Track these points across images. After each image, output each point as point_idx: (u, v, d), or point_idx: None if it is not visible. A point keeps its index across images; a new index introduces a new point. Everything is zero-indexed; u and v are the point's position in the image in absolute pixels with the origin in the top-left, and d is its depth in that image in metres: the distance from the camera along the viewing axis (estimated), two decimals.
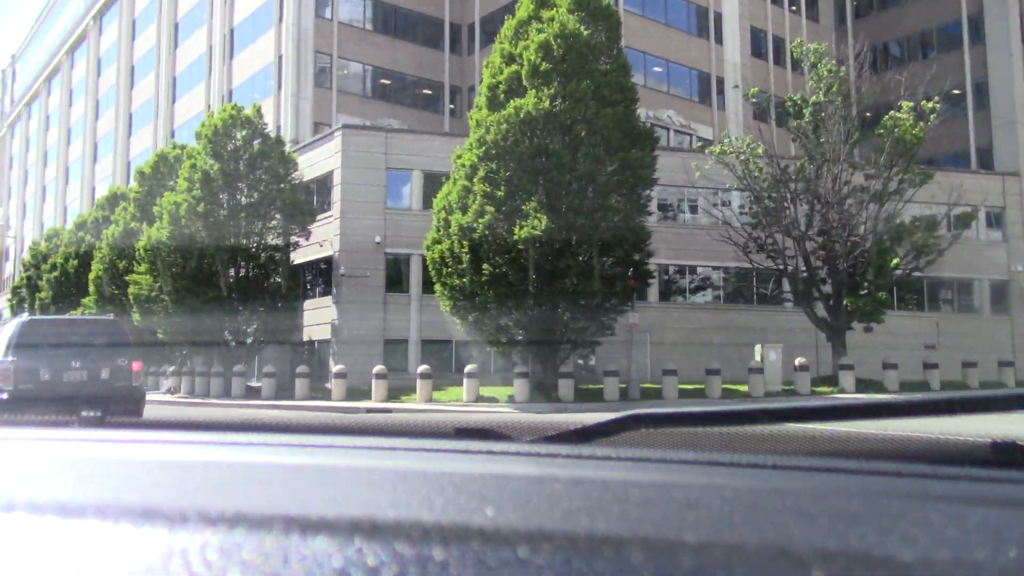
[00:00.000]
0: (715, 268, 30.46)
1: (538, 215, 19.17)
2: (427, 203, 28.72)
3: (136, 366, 12.53)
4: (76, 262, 36.63)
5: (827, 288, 23.67)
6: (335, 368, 23.19)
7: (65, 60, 63.75)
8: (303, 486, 0.87)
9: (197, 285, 26.13)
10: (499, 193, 19.93)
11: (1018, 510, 0.78)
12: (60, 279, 37.17)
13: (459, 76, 38.96)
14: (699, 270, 30.97)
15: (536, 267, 20.08)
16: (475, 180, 20.36)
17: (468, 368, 21.15)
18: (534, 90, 20.20)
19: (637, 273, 21.23)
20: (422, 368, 21.69)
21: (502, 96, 20.88)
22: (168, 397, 27.92)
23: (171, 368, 29.13)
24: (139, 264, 27.02)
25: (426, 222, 23.87)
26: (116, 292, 30.01)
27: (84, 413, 1.49)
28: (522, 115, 19.94)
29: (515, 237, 19.29)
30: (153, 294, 26.30)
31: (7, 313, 43.77)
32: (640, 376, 22.59)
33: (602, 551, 0.61)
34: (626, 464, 1.02)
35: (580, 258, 20.29)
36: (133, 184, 32.73)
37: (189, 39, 44.01)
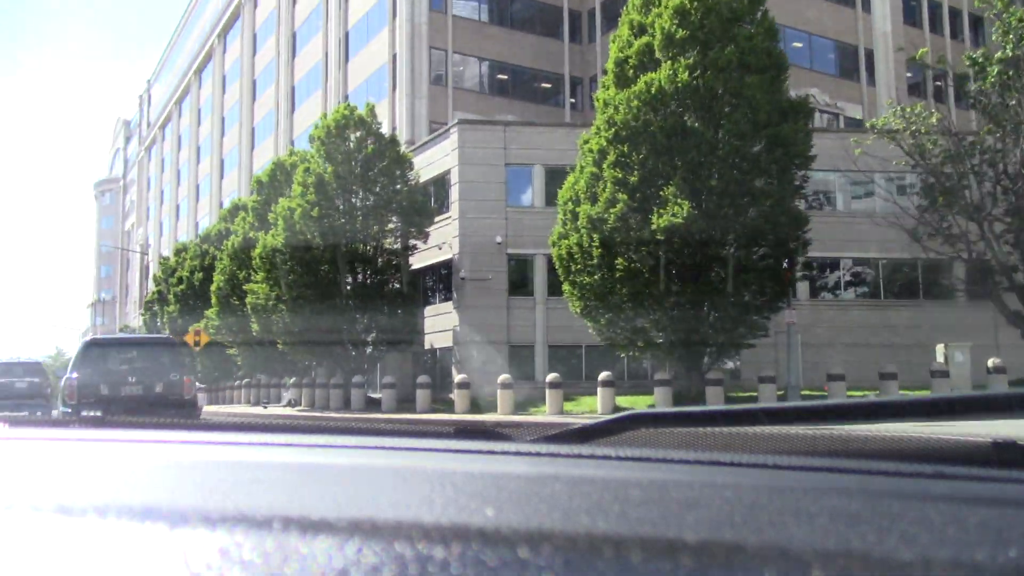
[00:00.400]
0: (873, 259, 27.17)
1: (678, 201, 16.85)
2: (550, 199, 26.76)
3: (187, 380, 13.47)
4: (200, 275, 36.61)
5: (1020, 277, 20.25)
6: (457, 378, 21.48)
7: (194, 81, 65.50)
8: (303, 486, 0.86)
9: (314, 292, 25.07)
10: (632, 179, 17.73)
11: (1018, 510, 0.77)
12: (186, 292, 37.28)
13: (579, 66, 36.89)
14: (853, 262, 27.72)
15: (677, 260, 17.76)
16: (604, 166, 18.23)
17: (603, 376, 18.98)
18: (668, 62, 17.92)
19: (793, 265, 18.54)
20: (551, 377, 19.68)
21: (631, 72, 18.69)
22: (288, 410, 27.02)
23: (291, 380, 28.22)
24: (256, 273, 26.20)
25: (550, 220, 21.94)
26: (236, 302, 29.43)
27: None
28: (654, 90, 17.69)
29: (652, 227, 17.02)
30: (270, 303, 25.37)
31: (144, 330, 44.56)
32: (796, 381, 19.84)
33: (602, 551, 0.61)
34: (626, 464, 1.02)
35: (727, 249, 17.82)
36: (253, 195, 32.24)
37: (306, 47, 43.78)
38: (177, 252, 43.16)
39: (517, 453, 1.09)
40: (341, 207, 25.46)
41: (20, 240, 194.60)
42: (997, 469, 0.97)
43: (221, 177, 57.06)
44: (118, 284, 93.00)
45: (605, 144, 18.37)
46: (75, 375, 12.82)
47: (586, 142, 19.30)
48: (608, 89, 19.12)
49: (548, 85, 36.93)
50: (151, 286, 47.55)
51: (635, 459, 1.04)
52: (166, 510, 0.71)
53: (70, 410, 12.54)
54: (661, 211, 16.99)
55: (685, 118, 17.96)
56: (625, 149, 17.94)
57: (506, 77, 36.02)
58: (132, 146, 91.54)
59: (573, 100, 37.37)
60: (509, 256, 27.13)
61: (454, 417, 19.45)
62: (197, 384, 14.74)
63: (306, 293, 24.97)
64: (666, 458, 1.05)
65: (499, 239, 26.87)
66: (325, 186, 25.23)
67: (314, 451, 1.15)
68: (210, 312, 31.54)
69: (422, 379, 22.14)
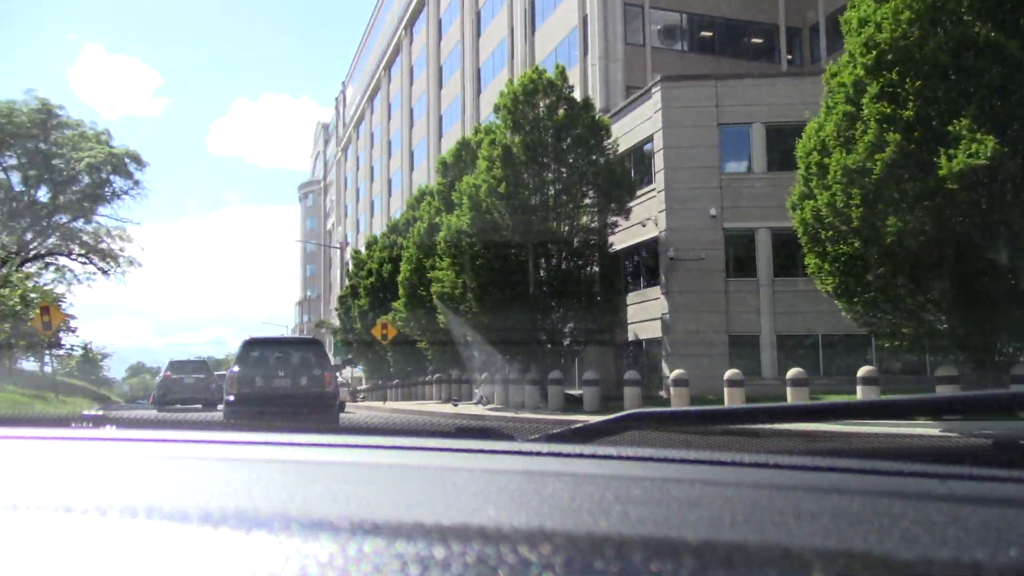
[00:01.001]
0: None
1: (977, 137, 12.49)
2: (773, 164, 22.64)
3: (328, 376, 14.67)
4: (389, 266, 35.19)
5: None
6: (673, 373, 17.97)
7: (383, 76, 65.57)
8: (302, 486, 0.86)
9: (503, 278, 22.36)
10: (905, 113, 13.50)
11: (1018, 510, 0.77)
12: (375, 285, 36.02)
13: (797, 14, 32.09)
14: None
15: (971, 216, 13.37)
16: (864, 102, 14.09)
17: (864, 371, 14.87)
18: None
19: None
20: (794, 372, 15.79)
21: None
22: (478, 408, 24.55)
23: (482, 376, 25.75)
24: (441, 259, 23.87)
25: (773, 187, 18.13)
26: (423, 292, 27.38)
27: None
28: None
29: (940, 173, 12.76)
30: (457, 291, 22.93)
31: (336, 322, 44.17)
32: None
33: (603, 550, 0.61)
34: (627, 463, 1.03)
35: None
36: (437, 177, 30.17)
37: (491, 24, 41.59)
38: (368, 246, 42.31)
39: (519, 452, 1.11)
40: (531, 182, 22.59)
41: (242, 241, 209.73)
42: (997, 469, 0.96)
43: (411, 170, 56.35)
44: (322, 282, 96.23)
45: (863, 74, 14.23)
46: (236, 369, 14.43)
47: (834, 75, 15.22)
48: (861, 6, 14.93)
49: (759, 39, 32.41)
50: (345, 281, 47.28)
51: (636, 458, 1.05)
52: (167, 508, 0.71)
53: (232, 399, 14.02)
54: (951, 152, 12.70)
55: (976, 29, 13.51)
56: (893, 76, 13.74)
57: (711, 33, 31.87)
58: (330, 148, 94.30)
59: (791, 56, 32.62)
60: (726, 231, 23.27)
61: None
62: (339, 378, 17.31)
63: (494, 279, 22.31)
64: (667, 457, 1.06)
65: (713, 212, 23.09)
66: (512, 159, 22.43)
67: (316, 450, 1.17)
68: (397, 304, 29.79)
69: (630, 375, 18.83)
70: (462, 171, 28.45)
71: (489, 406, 24.81)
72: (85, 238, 40.12)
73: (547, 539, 0.62)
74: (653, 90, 24.17)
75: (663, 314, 23.58)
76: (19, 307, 22.46)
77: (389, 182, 63.54)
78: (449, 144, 45.97)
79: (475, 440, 1.23)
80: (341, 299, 42.68)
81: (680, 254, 23.08)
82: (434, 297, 24.24)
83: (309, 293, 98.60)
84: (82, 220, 39.22)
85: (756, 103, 23.23)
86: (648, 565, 0.58)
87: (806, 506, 0.76)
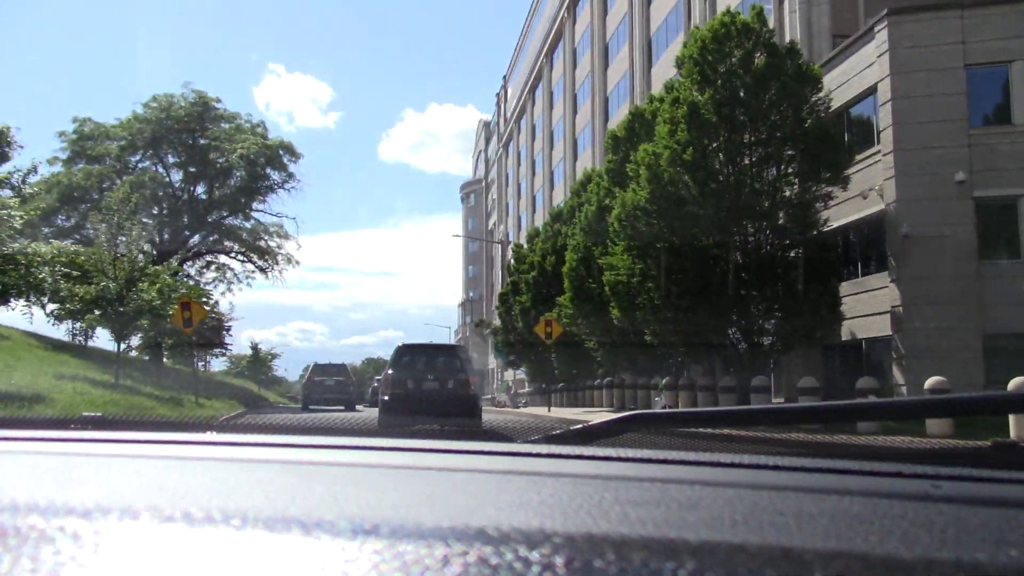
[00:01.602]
0: None
1: None
2: None
3: (472, 379, 15.82)
4: (552, 258, 31.88)
5: None
6: (930, 381, 13.41)
7: (545, 64, 62.64)
8: (301, 487, 0.86)
9: (690, 264, 18.46)
10: None
11: (1018, 510, 0.78)
12: (537, 279, 32.78)
13: None
14: None
15: None
16: None
17: None
18: None
19: None
20: None
21: None
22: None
23: (662, 381, 21.87)
24: (614, 244, 20.21)
25: None
26: (592, 285, 23.84)
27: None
28: None
29: None
30: (634, 280, 19.21)
31: (497, 321, 41.24)
32: None
33: (603, 551, 0.61)
34: (627, 464, 1.03)
35: None
36: (607, 155, 26.53)
37: None
38: (530, 238, 39.22)
39: (519, 453, 1.12)
40: (723, 147, 18.55)
41: (410, 246, 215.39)
42: (997, 469, 0.97)
43: (575, 159, 52.97)
44: (483, 282, 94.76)
45: None
46: (390, 372, 15.50)
47: None
48: None
49: None
50: (506, 279, 44.50)
51: (636, 459, 1.06)
52: (167, 509, 0.71)
53: (387, 398, 14.99)
54: None
55: None
56: None
57: None
58: (492, 146, 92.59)
59: None
60: (977, 201, 18.32)
61: (929, 442, 11.54)
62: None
63: (679, 264, 18.42)
64: (667, 458, 1.07)
65: (960, 176, 18.21)
66: (700, 120, 18.48)
67: (316, 451, 1.17)
68: (562, 299, 26.38)
69: (864, 382, 14.45)
70: (634, 146, 24.73)
71: None
72: (243, 235, 39.19)
73: (547, 540, 0.62)
74: (876, 28, 19.48)
75: (893, 307, 18.87)
76: (157, 301, 20.65)
77: (551, 174, 60.48)
78: (616, 124, 42.31)
79: (475, 441, 1.24)
80: (502, 297, 39.79)
81: (916, 231, 18.33)
82: (606, 288, 20.59)
83: (471, 294, 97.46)
84: (240, 217, 38.28)
85: (1018, 35, 18.15)
86: (648, 566, 0.58)
87: (806, 507, 0.76)
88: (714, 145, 18.57)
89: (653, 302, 18.77)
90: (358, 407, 37.58)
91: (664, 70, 36.15)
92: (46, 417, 1.55)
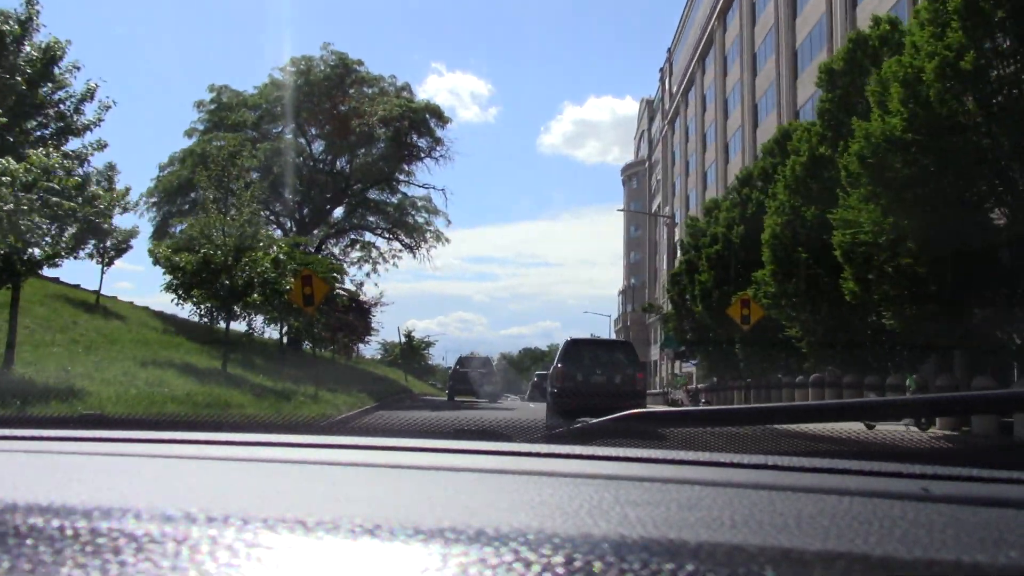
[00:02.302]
0: None
1: None
2: None
3: (639, 375, 16.40)
4: (740, 228, 26.68)
5: None
6: None
7: (717, 27, 56.66)
8: (300, 487, 0.87)
9: (963, 228, 13.07)
10: None
11: (1018, 510, 0.78)
12: (722, 253, 27.58)
13: None
14: None
15: None
16: None
17: None
18: None
19: None
20: None
21: None
22: (902, 429, 15.31)
23: (911, 380, 16.37)
24: (847, 194, 14.99)
25: None
26: (801, 254, 18.69)
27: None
28: None
29: None
30: (883, 238, 13.97)
31: (668, 308, 36.20)
32: None
33: (603, 551, 0.61)
34: (626, 464, 1.03)
35: None
36: (821, 94, 21.11)
37: None
38: (707, 211, 33.97)
39: (518, 453, 1.12)
40: (1019, 49, 12.98)
41: (567, 237, 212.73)
42: (997, 469, 0.96)
43: (755, 127, 46.94)
44: (646, 268, 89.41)
45: None
46: (560, 365, 16.03)
47: None
48: None
49: None
50: (678, 255, 39.41)
51: (635, 459, 1.06)
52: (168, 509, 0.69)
53: (557, 391, 15.59)
54: None
55: None
56: None
57: None
58: (655, 124, 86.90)
59: None
60: None
61: None
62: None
63: (950, 214, 13.06)
64: (666, 458, 1.06)
65: None
66: (982, 13, 13.00)
67: (316, 451, 1.17)
68: (760, 274, 21.26)
69: None
70: (859, 77, 19.26)
71: (923, 429, 15.44)
72: (388, 210, 36.15)
73: (546, 540, 0.62)
74: None
75: None
76: (272, 273, 17.32)
77: (727, 146, 54.47)
78: (807, 82, 36.31)
79: (474, 440, 1.24)
80: (673, 278, 34.58)
81: None
82: (837, 250, 15.41)
83: (632, 281, 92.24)
84: (385, 191, 35.18)
85: None
86: (648, 566, 0.57)
87: (806, 507, 0.75)
88: (998, 42, 13.08)
89: (914, 270, 13.48)
90: (510, 398, 37.01)
91: (872, 4, 30.03)
92: (45, 417, 1.56)
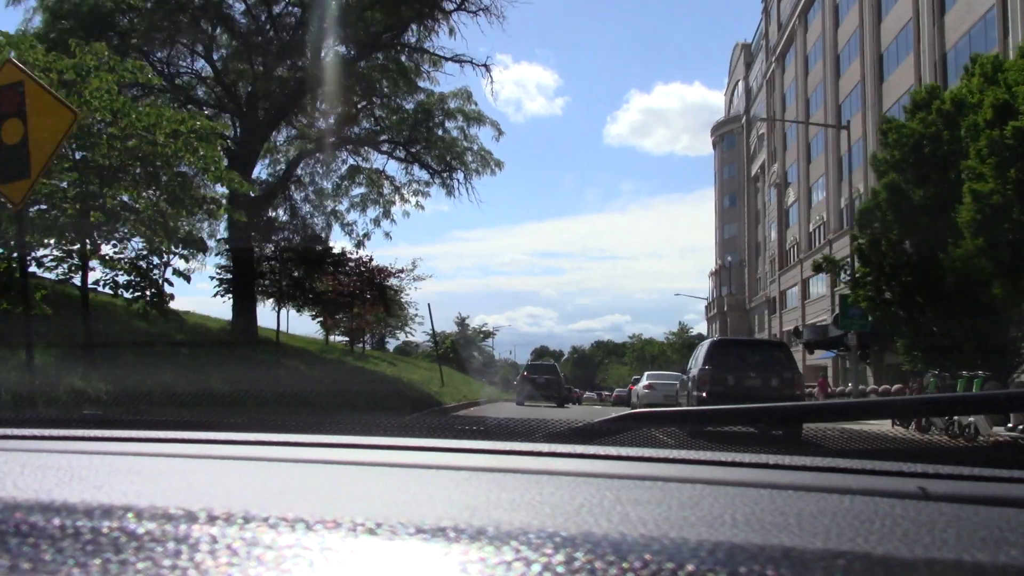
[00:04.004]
0: None
1: None
2: None
3: (798, 379, 14.83)
4: (988, 112, 13.96)
5: None
6: None
7: None
8: (301, 486, 0.87)
9: None
10: None
11: (1018, 510, 0.77)
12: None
13: None
14: None
15: None
16: None
17: None
18: None
19: None
20: None
21: None
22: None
23: None
24: None
25: None
26: None
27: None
28: None
29: None
30: None
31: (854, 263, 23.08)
32: None
33: (603, 550, 0.61)
34: (627, 463, 1.03)
35: None
36: None
37: None
38: (914, 108, 20.85)
39: (519, 452, 1.11)
40: None
41: (635, 230, 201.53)
42: (997, 469, 0.96)
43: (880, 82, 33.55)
44: (745, 243, 75.79)
45: None
46: (707, 368, 14.44)
47: None
48: None
49: None
50: (866, 187, 26.46)
51: (636, 458, 1.06)
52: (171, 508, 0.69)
53: (705, 395, 14.12)
54: None
55: None
56: None
57: None
58: (755, 70, 73.16)
59: None
60: None
61: None
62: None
63: None
64: (667, 457, 1.06)
65: None
66: None
67: (318, 450, 1.17)
68: None
69: None
70: None
71: None
72: (395, 101, 23.41)
73: (547, 538, 0.62)
74: None
75: None
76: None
77: (879, 60, 40.93)
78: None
79: (475, 440, 1.22)
80: (861, 216, 21.90)
81: None
82: None
83: (729, 259, 78.69)
84: (388, 60, 21.81)
85: None
86: (648, 566, 0.57)
87: (807, 506, 0.75)
88: None
89: None
90: (570, 404, 35.43)
91: None
92: (45, 417, 1.55)
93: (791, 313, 58.27)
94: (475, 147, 23.40)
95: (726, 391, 13.96)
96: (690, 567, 0.57)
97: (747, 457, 1.03)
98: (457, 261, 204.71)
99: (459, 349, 52.21)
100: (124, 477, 0.88)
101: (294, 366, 18.03)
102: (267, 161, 23.72)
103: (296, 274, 23.21)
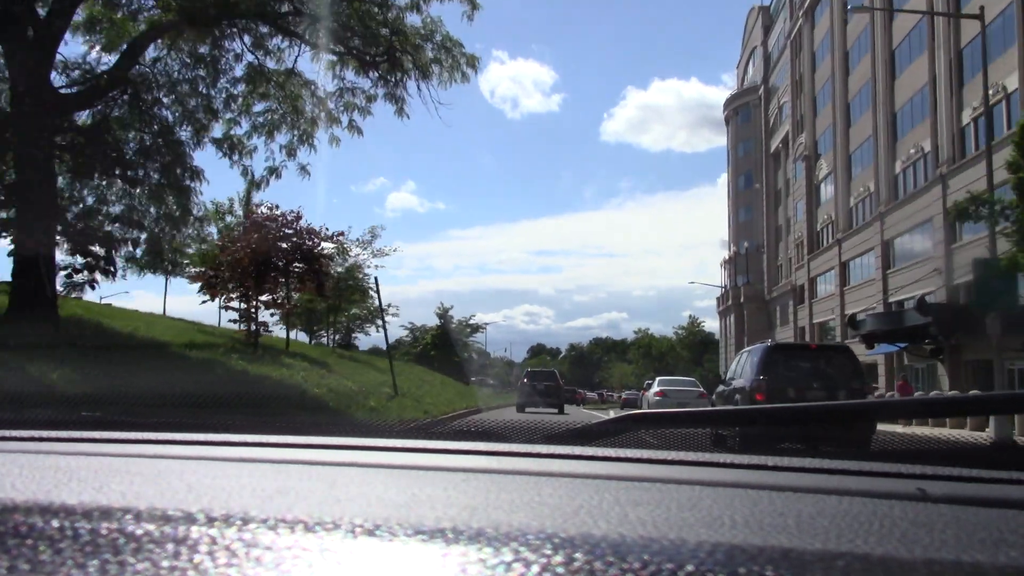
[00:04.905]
0: None
1: None
2: None
3: (868, 388, 13.90)
4: None
5: None
6: None
7: None
8: (301, 487, 0.86)
9: None
10: None
11: (1018, 510, 0.77)
12: None
13: None
14: None
15: None
16: None
17: None
18: None
19: None
20: None
21: None
22: None
23: None
24: None
25: None
26: None
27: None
28: None
29: None
30: None
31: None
32: None
33: (603, 551, 0.61)
34: (626, 464, 1.03)
35: None
36: None
37: None
38: None
39: (518, 453, 1.11)
40: None
41: (632, 227, 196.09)
42: (997, 469, 0.96)
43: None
44: (764, 227, 68.35)
45: None
46: (761, 378, 12.75)
47: None
48: None
49: None
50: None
51: (635, 460, 1.05)
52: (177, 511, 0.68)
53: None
54: None
55: None
56: None
57: None
58: (776, 33, 65.68)
59: None
60: None
61: None
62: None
63: None
64: (665, 459, 1.06)
65: None
66: None
67: (318, 451, 1.16)
68: None
69: None
70: None
71: None
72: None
73: (546, 540, 0.62)
74: None
75: None
76: None
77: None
78: None
79: (474, 441, 1.22)
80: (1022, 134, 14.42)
81: None
82: None
83: (745, 245, 71.25)
84: None
85: None
86: (647, 566, 0.57)
87: (806, 507, 0.75)
88: None
89: None
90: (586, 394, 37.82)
91: None
92: (45, 418, 1.51)
93: (822, 303, 50.98)
94: (437, 36, 15.76)
95: (786, 401, 11.70)
96: (689, 568, 0.57)
97: (746, 458, 1.03)
98: (454, 259, 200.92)
99: (441, 345, 44.78)
100: (122, 478, 0.87)
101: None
102: (98, 35, 16.22)
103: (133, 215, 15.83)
